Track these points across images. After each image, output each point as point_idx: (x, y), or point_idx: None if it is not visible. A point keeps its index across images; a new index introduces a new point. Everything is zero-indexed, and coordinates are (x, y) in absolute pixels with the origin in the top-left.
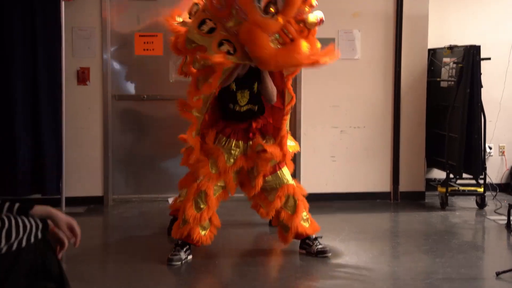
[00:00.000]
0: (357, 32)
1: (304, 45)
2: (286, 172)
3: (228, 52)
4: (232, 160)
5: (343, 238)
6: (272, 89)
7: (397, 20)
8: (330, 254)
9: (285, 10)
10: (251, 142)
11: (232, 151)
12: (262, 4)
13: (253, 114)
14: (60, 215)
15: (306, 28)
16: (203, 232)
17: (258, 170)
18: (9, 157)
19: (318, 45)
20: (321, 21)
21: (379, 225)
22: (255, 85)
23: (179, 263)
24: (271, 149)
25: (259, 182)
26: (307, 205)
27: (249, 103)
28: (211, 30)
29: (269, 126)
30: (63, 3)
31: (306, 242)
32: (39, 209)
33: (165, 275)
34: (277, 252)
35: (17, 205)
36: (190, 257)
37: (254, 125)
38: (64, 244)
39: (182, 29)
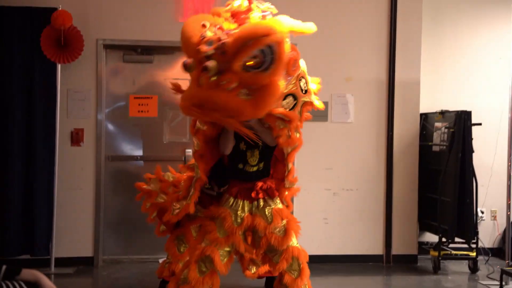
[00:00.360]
0: (350, 96)
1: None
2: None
3: None
4: (239, 220)
5: None
6: (263, 132)
7: (389, 85)
8: None
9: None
10: (256, 203)
11: (238, 212)
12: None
13: (260, 173)
14: (47, 282)
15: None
16: None
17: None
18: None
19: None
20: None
21: None
22: (261, 143)
23: None
24: (280, 212)
25: (264, 244)
26: (308, 272)
27: (260, 162)
28: None
29: (274, 190)
30: (59, 66)
31: None
32: (27, 274)
33: None
34: None
35: (4, 267)
36: None
37: (259, 185)
38: None
39: None
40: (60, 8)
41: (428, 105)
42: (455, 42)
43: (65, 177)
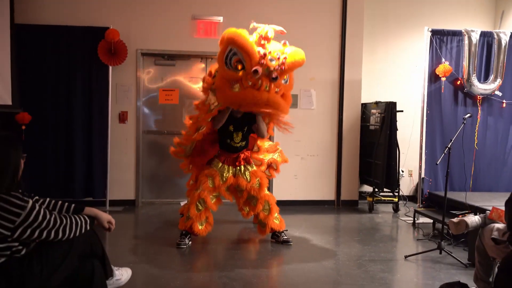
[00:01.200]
0: (313, 91)
1: (253, 92)
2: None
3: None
4: (224, 179)
5: (301, 231)
6: (263, 128)
7: (340, 83)
8: (292, 243)
9: (246, 66)
10: (239, 168)
11: (224, 174)
12: (233, 62)
13: (242, 148)
14: (103, 215)
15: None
16: (200, 227)
17: (244, 189)
18: (71, 173)
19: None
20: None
21: (327, 223)
22: (245, 128)
23: (184, 246)
24: (255, 172)
25: (245, 195)
26: (278, 208)
27: (241, 141)
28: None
29: (250, 158)
30: (110, 68)
31: (276, 234)
32: (88, 210)
33: (175, 254)
34: (255, 241)
35: (73, 205)
36: (190, 242)
37: (242, 156)
38: (106, 231)
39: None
40: (111, 27)
41: (367, 97)
42: (385, 52)
43: (115, 145)
